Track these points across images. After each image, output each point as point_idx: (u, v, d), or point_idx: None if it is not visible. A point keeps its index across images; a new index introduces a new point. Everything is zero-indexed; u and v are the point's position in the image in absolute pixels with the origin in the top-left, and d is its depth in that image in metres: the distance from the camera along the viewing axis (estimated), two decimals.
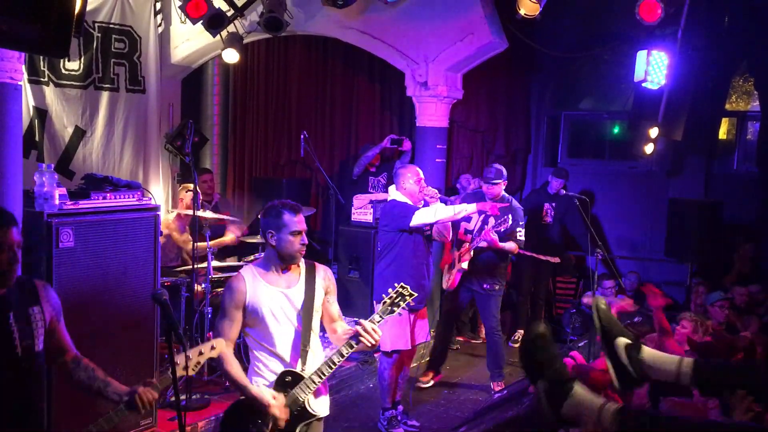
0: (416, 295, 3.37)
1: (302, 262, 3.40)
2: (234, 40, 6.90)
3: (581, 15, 7.58)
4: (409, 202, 5.31)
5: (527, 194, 8.80)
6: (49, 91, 6.29)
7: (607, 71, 8.53)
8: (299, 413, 3.28)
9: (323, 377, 3.27)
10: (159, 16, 7.20)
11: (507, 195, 6.24)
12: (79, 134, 6.57)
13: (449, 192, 7.83)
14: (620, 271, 7.88)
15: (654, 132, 6.95)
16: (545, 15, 6.22)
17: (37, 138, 6.25)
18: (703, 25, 6.66)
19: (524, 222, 6.35)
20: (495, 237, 5.86)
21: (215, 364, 3.24)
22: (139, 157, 7.09)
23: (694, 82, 6.82)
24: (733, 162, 8.59)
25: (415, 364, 6.26)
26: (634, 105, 7.19)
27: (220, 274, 5.90)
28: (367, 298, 6.62)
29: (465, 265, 6.04)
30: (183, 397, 4.90)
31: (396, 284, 3.38)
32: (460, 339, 7.81)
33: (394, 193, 5.42)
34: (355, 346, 3.25)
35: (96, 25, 6.55)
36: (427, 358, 6.76)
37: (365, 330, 3.21)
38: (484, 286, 6.18)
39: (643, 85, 6.36)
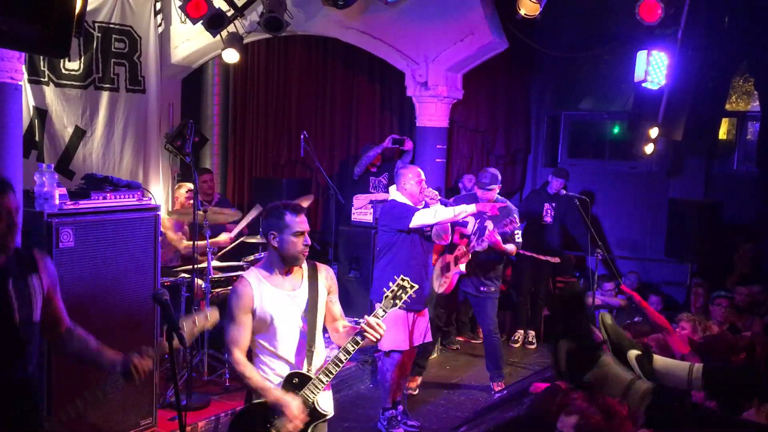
0: (417, 287, 3.34)
1: (304, 263, 3.38)
2: (234, 40, 6.90)
3: (581, 15, 7.57)
4: (410, 203, 5.30)
5: (527, 194, 8.78)
6: (49, 91, 6.30)
7: (607, 71, 8.53)
8: (309, 414, 3.26)
9: (331, 376, 3.25)
10: (159, 16, 7.21)
11: (501, 197, 6.22)
12: (79, 134, 6.57)
13: (449, 192, 7.83)
14: (620, 272, 7.88)
15: (654, 132, 6.96)
16: (545, 15, 6.23)
17: (37, 138, 6.26)
18: (703, 25, 6.67)
19: (522, 225, 6.34)
20: (499, 238, 5.85)
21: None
22: (139, 157, 7.09)
23: (694, 82, 6.83)
24: (733, 162, 8.58)
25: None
26: (634, 105, 7.19)
27: (220, 274, 5.91)
28: (367, 298, 6.60)
29: (463, 267, 6.03)
30: (183, 397, 4.89)
31: (396, 277, 3.35)
32: (460, 339, 7.80)
33: (394, 193, 5.41)
34: (360, 342, 3.23)
35: (96, 25, 6.55)
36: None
37: (369, 325, 3.20)
38: (481, 288, 6.15)
39: (643, 85, 6.37)
